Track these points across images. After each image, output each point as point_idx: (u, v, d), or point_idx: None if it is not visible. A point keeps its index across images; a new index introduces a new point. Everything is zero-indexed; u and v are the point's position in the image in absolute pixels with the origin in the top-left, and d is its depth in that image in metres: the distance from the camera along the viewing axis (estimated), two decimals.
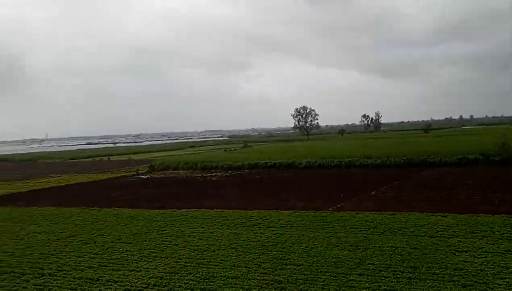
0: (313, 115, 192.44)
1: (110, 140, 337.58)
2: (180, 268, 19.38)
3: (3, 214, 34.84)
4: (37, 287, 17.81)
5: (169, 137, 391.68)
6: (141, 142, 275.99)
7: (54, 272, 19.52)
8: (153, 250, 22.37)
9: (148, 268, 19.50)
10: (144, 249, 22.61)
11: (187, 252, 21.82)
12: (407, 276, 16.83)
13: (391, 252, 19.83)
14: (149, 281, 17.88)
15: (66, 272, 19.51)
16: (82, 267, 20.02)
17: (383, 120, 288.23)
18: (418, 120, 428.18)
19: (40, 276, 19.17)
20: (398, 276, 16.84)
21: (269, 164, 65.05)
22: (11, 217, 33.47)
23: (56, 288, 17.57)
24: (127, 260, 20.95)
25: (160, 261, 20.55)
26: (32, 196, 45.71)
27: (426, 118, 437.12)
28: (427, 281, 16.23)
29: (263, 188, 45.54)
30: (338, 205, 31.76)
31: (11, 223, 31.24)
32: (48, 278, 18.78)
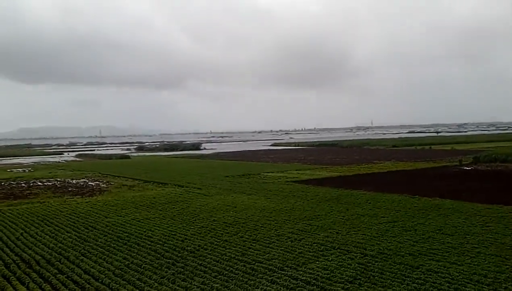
0: None
1: (432, 129, 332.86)
2: (507, 268, 17.93)
3: (332, 194, 38.20)
4: (361, 265, 19.04)
5: (496, 127, 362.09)
6: (465, 131, 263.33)
7: (376, 254, 20.51)
8: (476, 246, 21.24)
9: (470, 264, 18.66)
10: (466, 243, 21.67)
11: None
12: None
13: None
14: (471, 277, 17.11)
15: (387, 255, 20.28)
16: (403, 253, 20.45)
17: None
18: None
19: (363, 256, 20.42)
20: None
21: None
22: (338, 198, 36.44)
23: (377, 269, 18.45)
24: (448, 252, 20.46)
25: (484, 258, 19.39)
26: (357, 180, 48.72)
27: None
28: None
29: None
30: None
31: (338, 203, 34.01)
32: (370, 259, 19.85)
